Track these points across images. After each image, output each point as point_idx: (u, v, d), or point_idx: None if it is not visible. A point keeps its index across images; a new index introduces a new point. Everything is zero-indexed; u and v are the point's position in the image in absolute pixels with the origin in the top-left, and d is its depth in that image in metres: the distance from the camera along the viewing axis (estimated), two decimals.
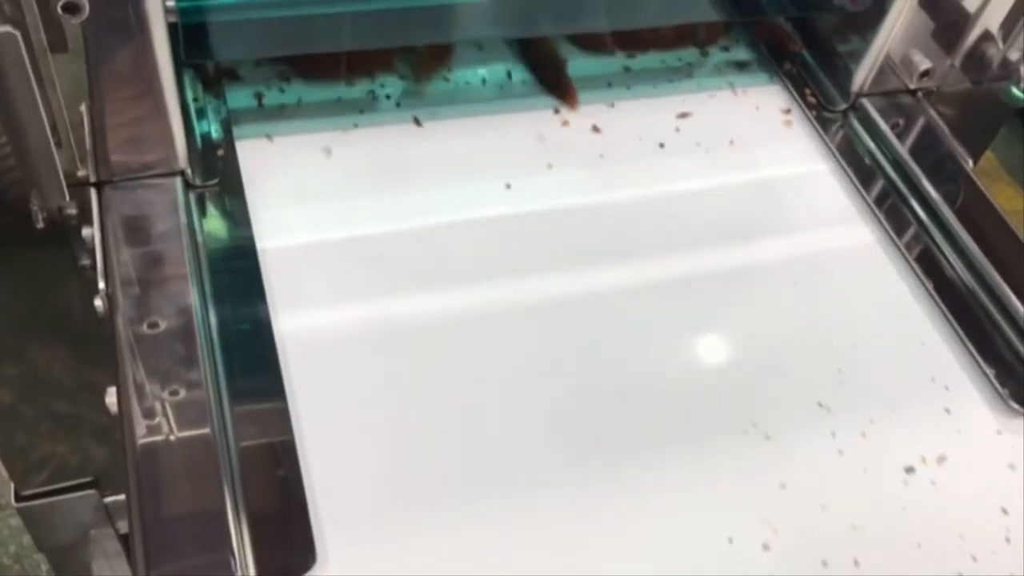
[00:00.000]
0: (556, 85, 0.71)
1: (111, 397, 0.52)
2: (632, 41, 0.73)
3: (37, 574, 1.17)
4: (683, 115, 0.70)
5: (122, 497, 0.75)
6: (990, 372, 0.60)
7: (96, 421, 0.78)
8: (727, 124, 0.70)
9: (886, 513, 0.53)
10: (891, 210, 0.68)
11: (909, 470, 0.54)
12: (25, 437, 0.78)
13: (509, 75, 0.72)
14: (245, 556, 0.47)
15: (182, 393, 0.51)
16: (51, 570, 1.08)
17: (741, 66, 0.74)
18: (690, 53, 0.75)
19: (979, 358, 0.61)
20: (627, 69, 0.73)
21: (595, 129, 0.68)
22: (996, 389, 0.60)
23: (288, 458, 0.51)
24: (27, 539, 1.14)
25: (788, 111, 0.71)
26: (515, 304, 0.58)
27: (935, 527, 0.53)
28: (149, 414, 0.50)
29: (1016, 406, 0.59)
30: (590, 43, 0.73)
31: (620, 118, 0.70)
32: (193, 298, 0.55)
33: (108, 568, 0.90)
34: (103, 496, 0.83)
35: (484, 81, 0.70)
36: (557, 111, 0.70)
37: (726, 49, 0.75)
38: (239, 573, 0.45)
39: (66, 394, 0.76)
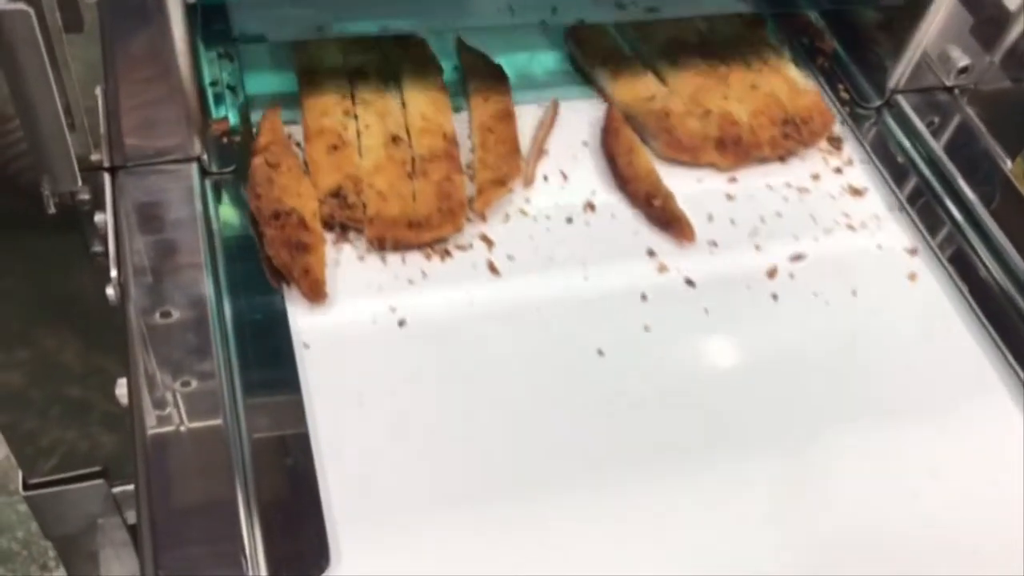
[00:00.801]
0: (664, 216, 0.61)
1: (121, 388, 0.51)
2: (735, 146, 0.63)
3: (45, 560, 1.16)
4: (798, 256, 0.60)
5: (130, 487, 0.70)
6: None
7: (105, 408, 0.76)
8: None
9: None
10: (924, 209, 0.66)
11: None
12: (34, 422, 0.77)
13: (590, 206, 0.62)
14: (256, 554, 0.45)
15: (194, 384, 0.50)
16: (59, 556, 1.08)
17: (857, 192, 0.65)
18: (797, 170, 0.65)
19: (1014, 363, 0.59)
20: (728, 196, 0.63)
21: (690, 282, 0.58)
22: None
23: (302, 452, 0.49)
24: (35, 525, 1.09)
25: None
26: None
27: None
28: (160, 404, 0.49)
29: None
30: (679, 147, 0.63)
31: (725, 259, 0.60)
32: (207, 288, 0.53)
33: (115, 558, 0.89)
34: (111, 486, 0.81)
35: (570, 220, 0.60)
36: (652, 254, 0.61)
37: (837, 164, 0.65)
38: (249, 571, 0.44)
39: (76, 380, 0.74)
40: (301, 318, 0.54)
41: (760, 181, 0.65)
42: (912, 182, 0.67)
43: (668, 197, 0.61)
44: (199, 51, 0.60)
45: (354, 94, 0.62)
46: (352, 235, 0.58)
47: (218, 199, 0.58)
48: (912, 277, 0.62)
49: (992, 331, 0.60)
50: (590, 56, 0.68)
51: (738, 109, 0.65)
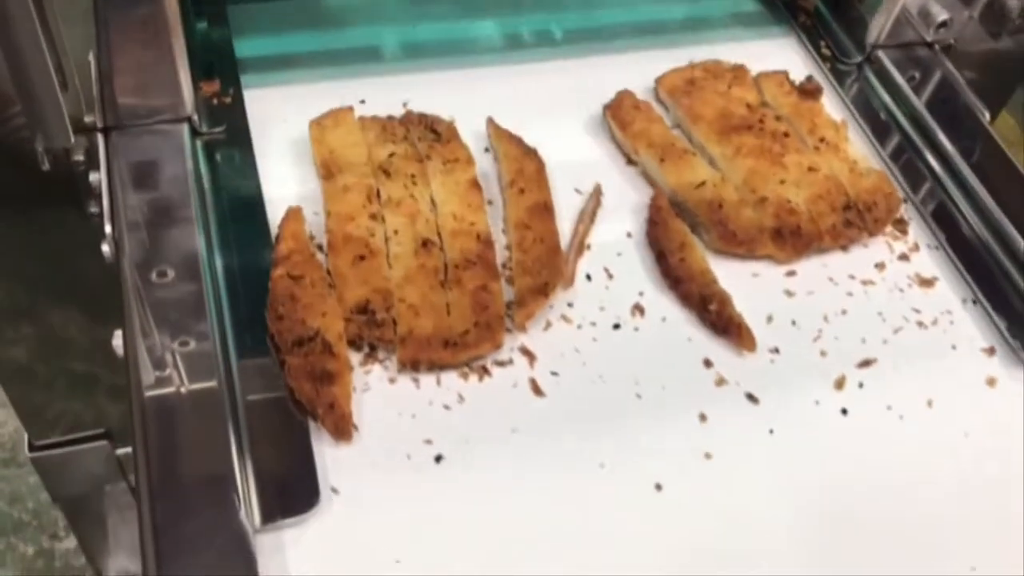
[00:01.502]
0: (720, 322, 0.55)
1: (117, 340, 0.52)
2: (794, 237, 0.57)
3: (55, 530, 1.18)
4: (866, 363, 0.55)
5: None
6: (1002, 324, 0.59)
7: (110, 380, 0.79)
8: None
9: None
10: (907, 164, 0.66)
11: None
12: (40, 395, 0.79)
13: (639, 309, 0.56)
14: (249, 492, 0.47)
15: (192, 344, 0.50)
16: (68, 526, 1.15)
17: (926, 282, 0.60)
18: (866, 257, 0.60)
19: (992, 311, 0.59)
20: (788, 293, 0.58)
21: (752, 398, 0.53)
22: (1008, 342, 0.58)
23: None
24: (45, 496, 1.15)
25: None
26: None
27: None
28: (156, 360, 0.50)
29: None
30: (733, 241, 0.57)
31: (788, 368, 0.55)
32: (200, 246, 0.54)
33: (122, 522, 0.91)
34: (115, 448, 0.84)
35: (617, 326, 0.55)
36: (709, 364, 0.56)
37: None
38: (242, 509, 0.45)
39: (81, 353, 0.77)
40: (329, 454, 0.49)
41: (821, 273, 0.60)
42: (894, 138, 0.67)
43: (725, 301, 0.56)
44: (190, 13, 0.64)
45: (379, 192, 0.57)
46: (381, 353, 0.54)
47: (209, 159, 0.59)
48: (991, 383, 0.57)
49: (970, 280, 0.60)
50: (631, 136, 0.63)
51: (796, 195, 0.60)
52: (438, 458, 0.50)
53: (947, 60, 0.70)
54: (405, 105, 0.65)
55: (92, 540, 0.95)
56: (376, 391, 0.52)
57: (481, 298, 0.54)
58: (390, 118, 0.62)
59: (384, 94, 0.66)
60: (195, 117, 0.59)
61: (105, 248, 0.55)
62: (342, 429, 0.49)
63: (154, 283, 0.52)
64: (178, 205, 0.55)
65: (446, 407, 0.52)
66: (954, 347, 0.58)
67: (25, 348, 0.75)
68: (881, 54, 0.70)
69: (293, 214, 0.56)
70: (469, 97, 0.67)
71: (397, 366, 0.52)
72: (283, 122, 0.63)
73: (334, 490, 0.48)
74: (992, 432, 0.54)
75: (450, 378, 0.53)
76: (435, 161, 0.59)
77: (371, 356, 0.53)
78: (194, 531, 0.44)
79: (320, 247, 0.57)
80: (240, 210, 0.57)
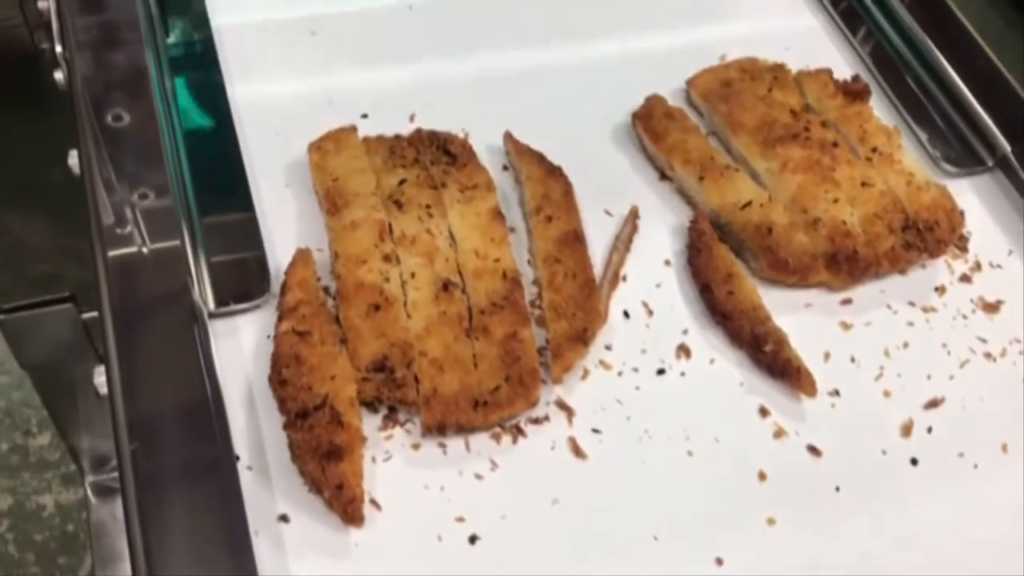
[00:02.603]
0: (776, 364, 0.49)
1: (73, 159, 0.54)
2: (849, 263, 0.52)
3: (28, 427, 1.21)
4: (933, 403, 0.51)
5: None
6: (923, 136, 0.62)
7: (77, 277, 0.82)
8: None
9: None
10: None
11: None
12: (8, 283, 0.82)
13: (684, 350, 0.50)
14: (204, 286, 0.49)
15: (151, 197, 0.51)
16: (40, 422, 1.21)
17: (991, 307, 0.55)
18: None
19: (913, 124, 0.63)
20: (845, 325, 0.52)
21: (813, 450, 0.48)
22: (928, 152, 0.62)
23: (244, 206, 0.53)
24: (17, 395, 1.22)
25: None
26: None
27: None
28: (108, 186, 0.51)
29: (948, 167, 0.61)
30: (785, 270, 0.52)
31: (850, 413, 0.49)
32: (149, 64, 0.56)
33: (95, 400, 0.90)
34: (80, 312, 0.85)
35: (662, 371, 0.50)
36: (765, 412, 0.50)
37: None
38: (195, 289, 0.48)
39: (46, 258, 0.80)
40: (349, 538, 0.44)
41: (878, 300, 0.55)
42: None
43: (781, 341, 0.50)
44: None
45: (391, 227, 0.51)
46: (402, 415, 0.48)
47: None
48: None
49: (892, 96, 0.63)
50: (666, 150, 0.57)
51: (850, 215, 0.54)
52: (472, 539, 0.44)
53: None
54: (412, 119, 0.59)
55: (64, 416, 0.96)
56: (398, 460, 0.46)
57: (512, 348, 0.48)
58: (397, 137, 0.55)
59: (387, 106, 0.59)
60: None
61: (58, 75, 0.57)
62: (353, 514, 0.43)
63: (109, 127, 0.54)
64: (127, 27, 0.57)
65: (478, 476, 0.46)
66: None
67: None
68: None
69: (301, 259, 0.49)
70: (482, 106, 0.60)
71: (421, 430, 0.47)
72: (275, 135, 0.57)
73: None
74: None
75: (480, 441, 0.47)
76: (451, 188, 0.52)
77: (391, 419, 0.47)
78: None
79: (327, 289, 0.51)
80: (189, 34, 0.60)
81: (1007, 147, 0.61)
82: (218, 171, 0.55)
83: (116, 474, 0.44)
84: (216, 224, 0.52)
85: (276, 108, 0.59)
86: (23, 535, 1.11)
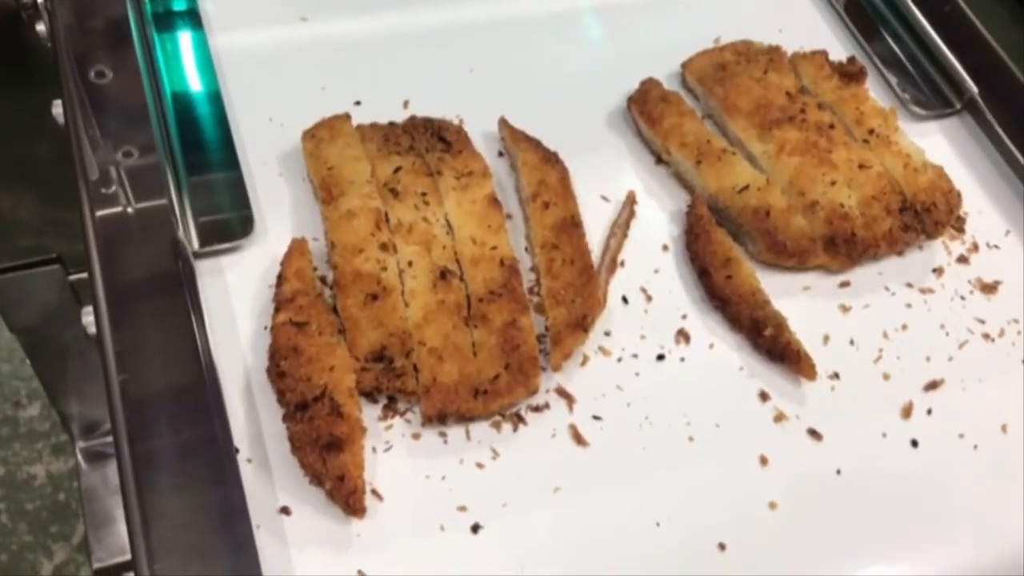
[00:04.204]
0: (776, 348, 0.49)
1: (57, 108, 0.54)
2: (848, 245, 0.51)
3: (18, 398, 1.21)
4: (933, 384, 0.50)
5: (85, 275, 0.80)
6: (893, 80, 0.63)
7: (65, 248, 0.81)
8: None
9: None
10: None
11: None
12: None
13: (683, 335, 0.50)
14: (189, 228, 0.50)
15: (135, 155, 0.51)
16: (30, 394, 1.21)
17: (989, 288, 0.54)
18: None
19: (882, 68, 0.64)
20: (843, 308, 0.52)
21: (814, 433, 0.48)
22: (898, 95, 0.63)
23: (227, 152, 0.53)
24: (7, 367, 1.22)
25: None
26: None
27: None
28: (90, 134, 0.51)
29: (917, 110, 0.62)
30: (783, 253, 0.51)
31: (850, 396, 0.49)
32: (131, 21, 0.56)
33: (79, 354, 0.89)
34: (68, 274, 0.83)
35: (661, 357, 0.49)
36: (765, 397, 0.50)
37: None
38: (181, 231, 0.49)
39: (31, 233, 0.79)
40: (352, 529, 0.43)
41: (876, 283, 0.54)
42: None
43: (780, 325, 0.50)
44: None
45: (388, 216, 0.51)
46: (402, 405, 0.47)
47: None
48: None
49: (862, 40, 0.64)
50: (662, 134, 0.57)
51: (847, 197, 0.54)
52: (475, 528, 0.44)
53: None
54: (406, 105, 0.58)
55: (54, 381, 0.95)
56: (399, 450, 0.46)
57: (511, 336, 0.48)
58: (392, 125, 0.55)
59: (381, 92, 0.59)
60: None
61: (40, 27, 0.56)
62: (355, 505, 0.43)
63: (93, 83, 0.53)
64: None
65: (479, 465, 0.46)
66: None
67: None
68: None
69: (297, 249, 0.49)
70: (476, 91, 0.60)
71: (421, 419, 0.46)
72: (267, 122, 0.56)
73: (361, 573, 0.43)
74: None
75: (481, 429, 0.47)
76: (447, 176, 0.52)
77: (390, 409, 0.47)
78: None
79: (323, 279, 0.50)
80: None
81: (974, 90, 0.62)
82: (204, 130, 0.55)
83: (107, 439, 0.43)
84: (201, 179, 0.52)
85: (268, 96, 0.58)
86: (15, 504, 1.12)
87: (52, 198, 0.76)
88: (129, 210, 0.49)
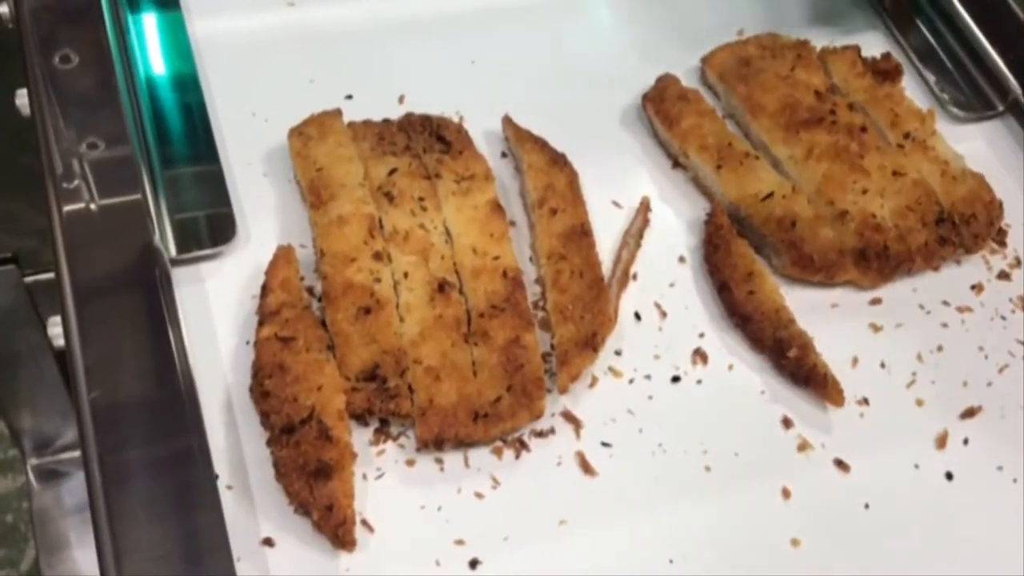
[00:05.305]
0: (800, 371, 0.45)
1: (22, 99, 0.52)
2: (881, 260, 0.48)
3: None
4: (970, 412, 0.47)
5: (41, 276, 0.75)
6: (931, 79, 0.60)
7: (15, 245, 0.76)
8: None
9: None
10: None
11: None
12: None
13: (700, 355, 0.46)
14: (166, 233, 0.47)
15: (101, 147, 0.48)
16: None
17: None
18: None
19: (919, 65, 0.60)
20: (874, 328, 0.49)
21: (841, 464, 0.44)
22: (936, 95, 0.59)
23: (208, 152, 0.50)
24: None
25: None
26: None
27: None
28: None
29: (956, 111, 0.58)
30: (810, 267, 0.48)
31: (880, 424, 0.46)
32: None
33: (38, 375, 0.85)
34: (23, 275, 0.78)
35: (677, 379, 0.46)
36: (788, 424, 0.47)
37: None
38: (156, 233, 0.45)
39: None
40: (341, 563, 0.40)
41: (910, 300, 0.51)
42: None
43: (806, 347, 0.46)
44: None
45: (382, 222, 0.47)
46: (395, 428, 0.44)
47: None
48: None
49: (899, 38, 0.60)
50: (679, 136, 0.53)
51: (880, 207, 0.50)
52: (473, 563, 0.41)
53: None
54: (401, 100, 0.54)
55: (5, 392, 0.88)
56: (391, 477, 0.43)
57: (514, 354, 0.44)
58: (386, 122, 0.51)
59: (375, 85, 0.55)
60: None
61: (3, 9, 0.53)
62: (344, 537, 0.39)
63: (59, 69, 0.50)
64: None
65: (478, 495, 0.42)
66: None
67: None
68: None
69: (283, 257, 0.45)
70: (478, 86, 0.56)
71: (416, 445, 0.43)
72: (251, 116, 0.53)
73: None
74: None
75: (480, 456, 0.43)
76: (446, 179, 0.48)
77: (383, 432, 0.43)
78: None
79: (311, 291, 0.47)
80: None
81: (1019, 90, 0.58)
82: (181, 122, 0.52)
83: (61, 456, 0.40)
84: (178, 174, 0.50)
85: (251, 87, 0.54)
86: None
87: (3, 188, 0.71)
88: (93, 207, 0.45)
